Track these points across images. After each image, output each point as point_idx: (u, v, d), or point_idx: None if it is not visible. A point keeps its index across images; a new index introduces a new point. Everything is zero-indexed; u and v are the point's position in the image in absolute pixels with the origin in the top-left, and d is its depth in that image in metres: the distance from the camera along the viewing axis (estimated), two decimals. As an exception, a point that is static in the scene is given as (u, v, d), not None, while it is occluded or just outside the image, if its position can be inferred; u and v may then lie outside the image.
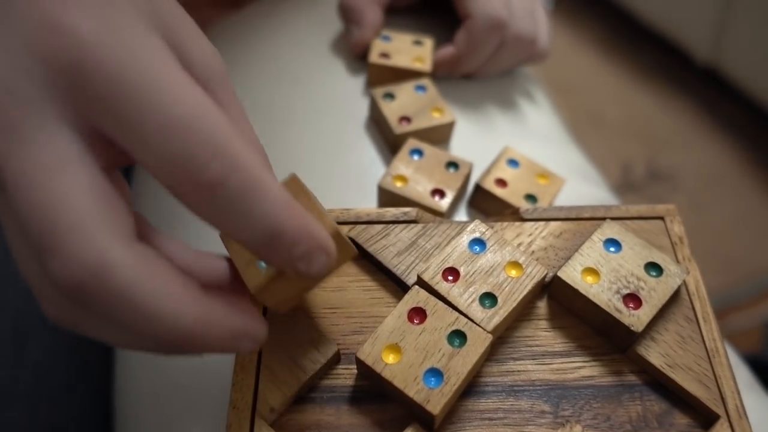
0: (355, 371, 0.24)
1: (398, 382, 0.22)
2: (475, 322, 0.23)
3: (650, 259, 0.25)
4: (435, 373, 0.22)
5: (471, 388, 0.24)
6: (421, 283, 0.25)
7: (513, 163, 0.34)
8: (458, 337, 0.23)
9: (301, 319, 0.25)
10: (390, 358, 0.22)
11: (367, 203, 0.34)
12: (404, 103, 0.36)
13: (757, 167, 1.26)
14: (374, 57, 0.38)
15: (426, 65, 0.38)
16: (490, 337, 0.23)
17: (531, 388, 0.24)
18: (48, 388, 0.38)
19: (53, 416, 0.38)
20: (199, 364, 0.33)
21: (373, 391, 0.24)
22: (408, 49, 0.39)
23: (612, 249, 0.26)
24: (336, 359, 0.24)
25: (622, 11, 1.51)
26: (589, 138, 1.33)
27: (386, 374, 0.22)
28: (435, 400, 0.21)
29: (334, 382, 0.24)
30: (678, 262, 0.27)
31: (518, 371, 0.24)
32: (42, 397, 0.38)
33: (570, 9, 1.62)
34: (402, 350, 0.23)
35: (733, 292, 1.09)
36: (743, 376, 0.34)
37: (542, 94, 0.49)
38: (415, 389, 0.22)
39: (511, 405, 0.24)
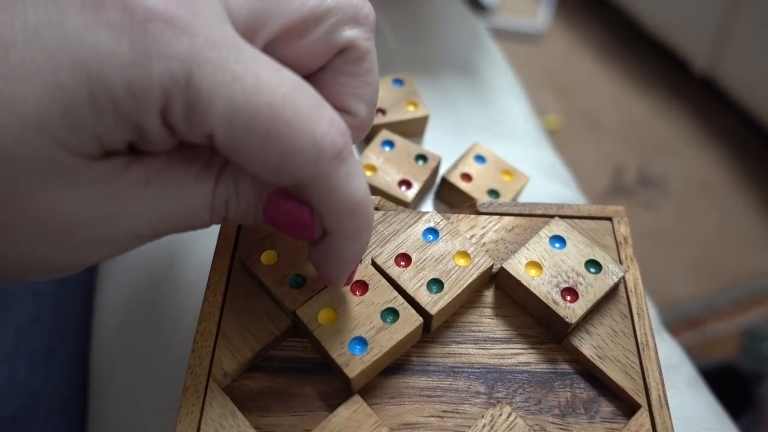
0: (308, 344, 0.26)
1: (325, 343, 0.24)
2: (421, 306, 0.25)
3: (591, 257, 0.27)
4: (361, 341, 0.24)
5: (414, 366, 0.26)
6: (374, 266, 0.26)
7: (480, 159, 0.36)
8: (391, 314, 0.25)
9: (261, 294, 0.26)
10: (325, 320, 0.25)
11: (339, 190, 0.36)
12: (381, 95, 0.38)
13: (746, 178, 1.28)
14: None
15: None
16: (420, 321, 0.24)
17: (470, 369, 0.26)
18: (28, 351, 0.40)
19: (31, 381, 0.39)
20: (171, 331, 0.35)
21: (321, 364, 0.25)
22: None
23: (557, 245, 0.27)
24: (290, 332, 0.26)
25: (623, 17, 1.52)
26: (583, 141, 1.35)
27: (317, 334, 0.24)
28: (354, 365, 0.23)
29: (287, 354, 0.26)
30: (620, 261, 0.28)
31: (459, 354, 0.26)
32: (21, 361, 0.39)
33: (571, 13, 1.63)
34: (337, 315, 0.25)
35: (714, 299, 1.11)
36: (687, 373, 0.36)
37: (522, 95, 0.50)
38: (338, 352, 0.24)
39: (449, 384, 0.25)
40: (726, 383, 0.91)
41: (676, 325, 1.07)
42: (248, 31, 0.20)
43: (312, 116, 0.18)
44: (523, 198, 0.37)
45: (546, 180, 0.41)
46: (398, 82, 0.38)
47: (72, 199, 0.18)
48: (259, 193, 0.21)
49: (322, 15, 0.21)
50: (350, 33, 0.22)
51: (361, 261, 0.26)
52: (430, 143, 0.39)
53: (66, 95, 0.16)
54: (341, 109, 0.23)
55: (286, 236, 0.27)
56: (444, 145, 0.39)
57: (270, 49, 0.21)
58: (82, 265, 0.21)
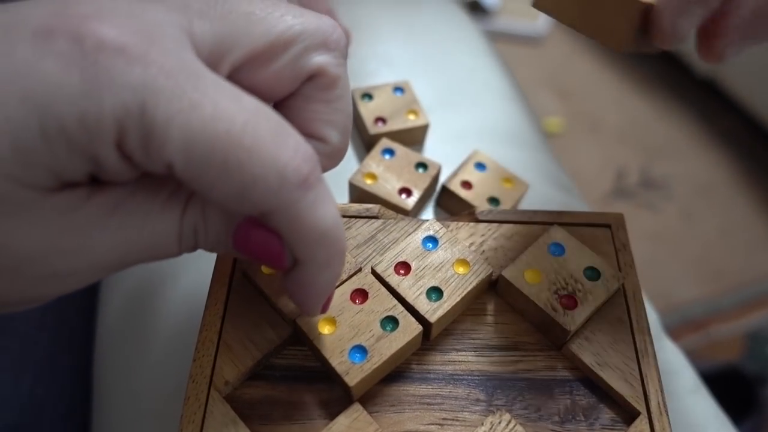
0: (308, 353, 0.26)
1: (326, 352, 0.24)
2: (420, 314, 0.25)
3: (590, 264, 0.27)
4: (361, 350, 0.24)
5: (414, 374, 0.26)
6: (374, 274, 0.27)
7: (480, 166, 0.36)
8: (391, 322, 0.25)
9: (261, 302, 0.27)
10: (325, 329, 0.25)
11: (340, 198, 0.36)
12: (381, 104, 0.38)
13: (749, 179, 1.28)
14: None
15: None
16: (419, 329, 0.25)
17: (469, 377, 0.26)
18: (33, 359, 0.40)
19: (36, 387, 0.40)
20: (173, 339, 0.35)
21: (322, 372, 0.25)
22: None
23: (556, 252, 0.27)
24: (290, 341, 0.26)
25: (625, 19, 1.52)
26: (585, 143, 1.35)
27: (317, 342, 0.24)
28: (354, 373, 0.24)
29: (288, 362, 0.26)
30: (619, 268, 0.28)
31: (459, 361, 0.26)
32: (26, 369, 0.40)
33: (574, 14, 1.62)
34: (337, 324, 0.25)
35: (718, 301, 1.11)
36: (689, 378, 0.36)
37: (522, 99, 0.50)
38: (338, 360, 0.24)
39: (449, 392, 0.25)
40: (730, 386, 0.91)
41: (679, 328, 1.07)
42: (213, 57, 0.19)
43: (274, 143, 0.18)
44: (524, 205, 0.38)
45: (546, 186, 0.41)
46: (399, 90, 0.39)
47: (28, 233, 0.17)
48: (228, 222, 0.20)
49: (290, 40, 0.21)
50: (319, 59, 0.22)
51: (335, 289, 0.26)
52: (431, 150, 0.39)
53: (15, 128, 0.16)
54: (312, 136, 0.23)
55: None
56: (444, 152, 0.39)
57: (236, 75, 0.21)
58: (43, 298, 0.20)
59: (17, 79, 0.16)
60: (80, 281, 0.20)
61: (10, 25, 0.17)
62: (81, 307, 0.43)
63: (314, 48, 0.21)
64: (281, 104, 0.23)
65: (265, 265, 0.21)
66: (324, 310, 0.23)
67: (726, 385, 0.86)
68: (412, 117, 0.37)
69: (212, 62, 0.19)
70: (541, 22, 1.58)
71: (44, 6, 0.17)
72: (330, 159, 0.23)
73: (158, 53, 0.17)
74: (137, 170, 0.19)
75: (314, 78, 0.22)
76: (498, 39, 1.54)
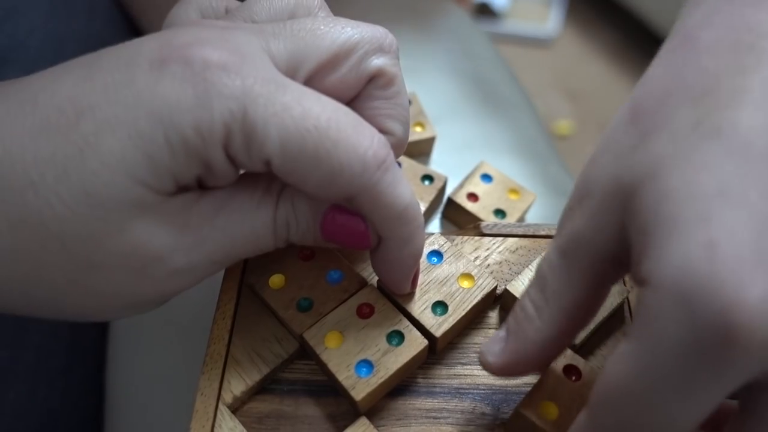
0: (315, 367, 0.26)
1: (332, 366, 0.24)
2: (426, 328, 0.26)
3: (594, 278, 0.27)
4: (367, 364, 0.24)
5: (420, 388, 0.26)
6: (380, 289, 0.27)
7: (486, 177, 0.36)
8: (397, 336, 0.25)
9: (269, 317, 0.27)
10: (331, 343, 0.25)
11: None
12: (388, 115, 0.38)
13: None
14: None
15: None
16: (425, 343, 0.25)
17: (475, 390, 0.26)
18: (47, 370, 0.41)
19: (50, 399, 0.40)
20: (184, 351, 0.35)
21: (329, 386, 0.26)
22: None
23: (560, 266, 0.28)
24: (298, 355, 0.26)
25: (634, 20, 1.52)
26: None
27: (324, 357, 0.25)
28: (360, 388, 0.24)
29: (295, 376, 0.26)
30: (624, 282, 0.28)
31: (465, 375, 0.26)
32: (41, 380, 0.40)
33: (583, 16, 1.62)
34: (343, 338, 0.25)
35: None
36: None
37: (530, 107, 0.50)
38: (345, 375, 0.24)
39: (455, 406, 0.26)
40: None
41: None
42: (289, 70, 0.22)
43: (355, 133, 0.21)
44: (531, 215, 0.38)
45: (554, 196, 0.41)
46: (404, 101, 0.39)
47: (155, 232, 0.21)
48: (315, 213, 0.23)
49: (351, 48, 0.24)
50: (378, 61, 0.24)
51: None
52: (438, 161, 0.40)
53: (145, 141, 0.19)
54: (379, 131, 0.25)
55: (293, 261, 0.27)
56: (451, 162, 0.39)
57: (309, 83, 0.23)
58: (166, 296, 0.23)
59: (142, 102, 0.19)
60: (196, 277, 0.23)
61: (128, 60, 0.20)
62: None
63: (372, 52, 0.24)
64: (348, 106, 0.25)
65: (352, 247, 0.24)
66: (413, 286, 0.26)
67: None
68: (419, 129, 0.38)
69: (289, 74, 0.22)
70: (550, 23, 1.58)
71: (151, 41, 0.21)
72: (396, 150, 0.26)
73: (251, 68, 0.20)
74: (237, 172, 0.22)
75: (375, 79, 0.25)
76: (507, 41, 1.54)
